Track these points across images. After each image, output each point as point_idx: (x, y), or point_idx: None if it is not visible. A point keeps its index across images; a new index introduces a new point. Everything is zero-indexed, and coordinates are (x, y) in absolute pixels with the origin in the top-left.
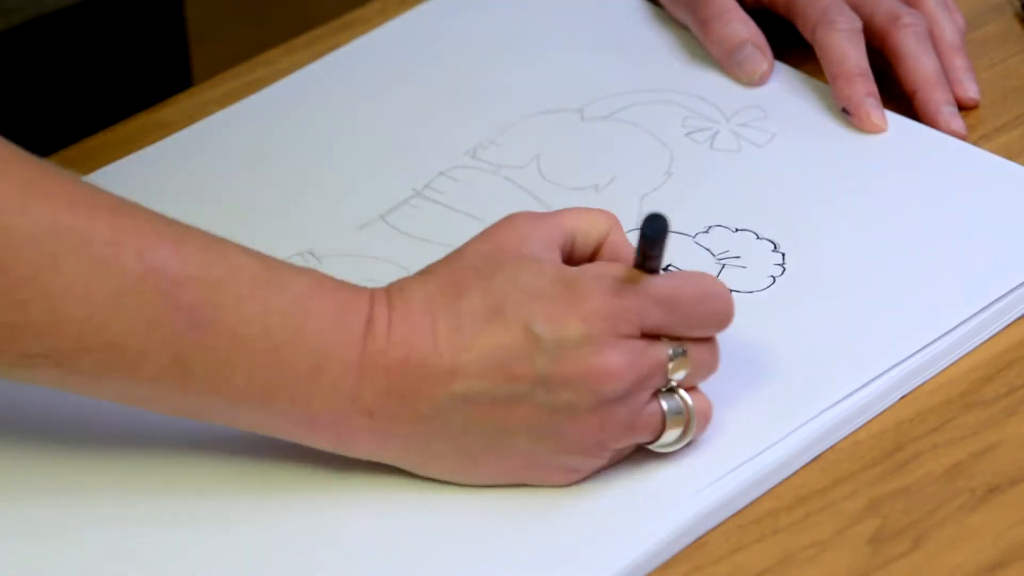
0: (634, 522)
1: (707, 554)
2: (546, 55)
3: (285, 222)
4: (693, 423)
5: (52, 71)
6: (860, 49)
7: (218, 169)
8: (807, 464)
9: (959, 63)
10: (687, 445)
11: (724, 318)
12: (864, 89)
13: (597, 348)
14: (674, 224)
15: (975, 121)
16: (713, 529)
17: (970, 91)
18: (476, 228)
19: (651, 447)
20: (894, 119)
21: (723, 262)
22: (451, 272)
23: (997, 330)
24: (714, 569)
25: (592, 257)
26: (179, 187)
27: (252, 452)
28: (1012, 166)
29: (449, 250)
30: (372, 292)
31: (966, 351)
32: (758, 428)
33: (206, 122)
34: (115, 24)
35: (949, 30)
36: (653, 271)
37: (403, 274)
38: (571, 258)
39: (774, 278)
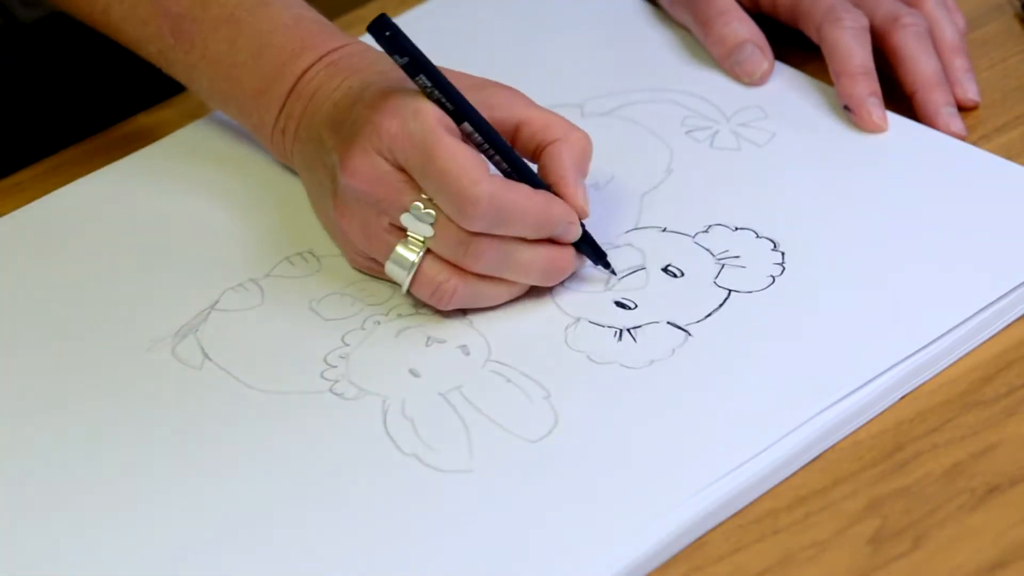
0: (634, 522)
1: (707, 554)
2: (546, 53)
3: (285, 222)
4: (408, 277)
5: (70, 65)
6: (866, 48)
7: (218, 169)
8: (807, 464)
9: (959, 64)
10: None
11: (465, 207)
12: (867, 88)
13: (357, 146)
14: (674, 223)
15: (975, 121)
16: (713, 529)
17: (970, 92)
18: None
19: (385, 272)
20: (894, 119)
21: (723, 261)
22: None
23: (997, 330)
24: (714, 569)
25: (535, 154)
26: (179, 186)
27: (252, 464)
28: (1012, 166)
29: None
30: (344, 41)
31: (966, 351)
32: (758, 428)
33: (206, 121)
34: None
35: (949, 31)
36: (438, 102)
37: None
38: (513, 142)
39: (774, 277)
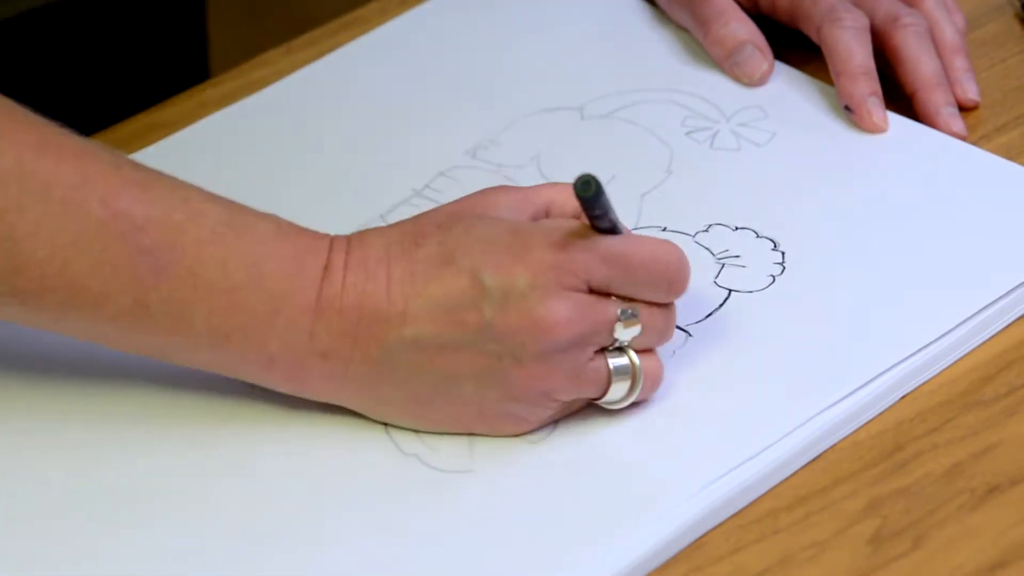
0: (634, 522)
1: (707, 554)
2: (546, 54)
3: None
4: (639, 382)
5: (62, 61)
6: (866, 47)
7: (218, 169)
8: (807, 464)
9: (959, 64)
10: (635, 404)
11: (674, 283)
12: (867, 88)
13: (542, 298)
14: (674, 223)
15: (975, 121)
16: (713, 529)
17: (970, 92)
18: None
19: (599, 403)
20: (894, 119)
21: (723, 261)
22: (413, 224)
23: (997, 330)
24: (714, 569)
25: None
26: None
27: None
28: (1012, 166)
29: None
30: (332, 238)
31: (966, 351)
32: (758, 428)
33: (206, 122)
34: (133, 16)
35: (949, 31)
36: (603, 230)
37: None
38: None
39: (774, 277)
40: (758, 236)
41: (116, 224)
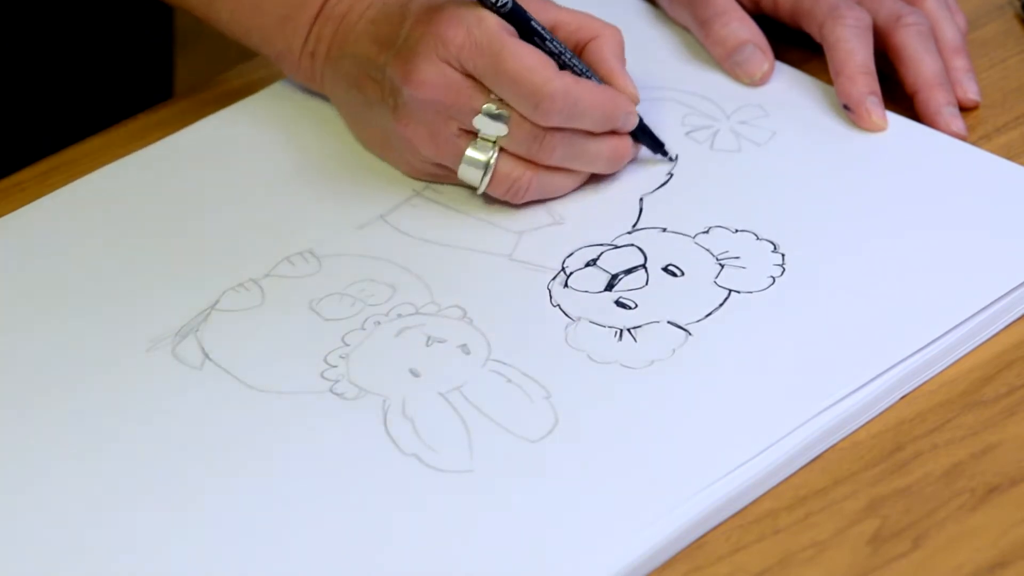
0: (634, 522)
1: (707, 554)
2: None
3: (286, 222)
4: (487, 175)
5: (69, 65)
6: (868, 47)
7: (218, 169)
8: (807, 464)
9: (959, 64)
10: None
11: (541, 103)
12: (867, 87)
13: (420, 57)
14: (674, 224)
15: (975, 121)
16: (713, 529)
17: (970, 92)
18: (475, 228)
19: (458, 176)
20: (894, 119)
21: (723, 262)
22: None
23: (997, 330)
24: (714, 569)
25: (575, 52)
26: (179, 187)
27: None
28: (1012, 166)
29: (449, 250)
30: None
31: (966, 351)
32: (758, 428)
33: (205, 122)
34: (103, 27)
35: (950, 31)
36: (499, 11)
37: (403, 274)
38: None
39: (774, 278)
40: (758, 238)
41: None
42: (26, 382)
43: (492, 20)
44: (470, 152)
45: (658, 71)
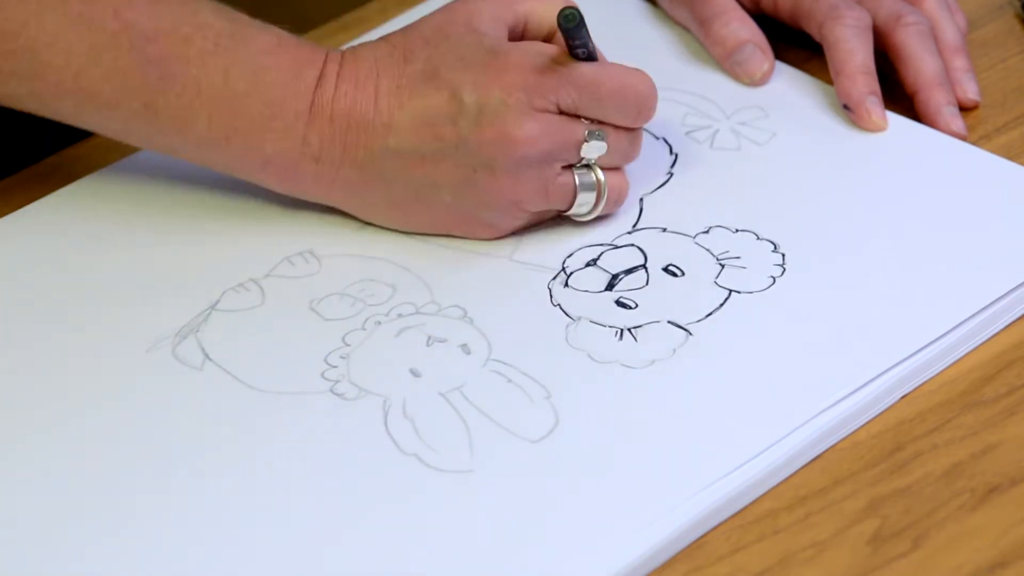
0: (634, 522)
1: (707, 554)
2: None
3: (286, 222)
4: (604, 196)
5: None
6: (867, 47)
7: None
8: (807, 464)
9: (959, 64)
10: (600, 217)
11: (642, 108)
12: (867, 87)
13: (515, 116)
14: (675, 224)
15: (975, 121)
16: (713, 529)
17: (970, 92)
18: None
19: (567, 214)
20: (894, 119)
21: (723, 262)
22: (403, 39)
23: (997, 330)
24: (714, 569)
25: (523, 28)
26: (179, 186)
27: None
28: (1012, 166)
29: (449, 250)
30: (328, 51)
31: (966, 351)
32: (758, 428)
33: None
34: None
35: (950, 31)
36: (581, 59)
37: (404, 274)
38: (523, 39)
39: (774, 278)
40: (758, 238)
41: (127, 35)
42: (26, 382)
43: (556, 51)
44: (581, 178)
45: (658, 71)
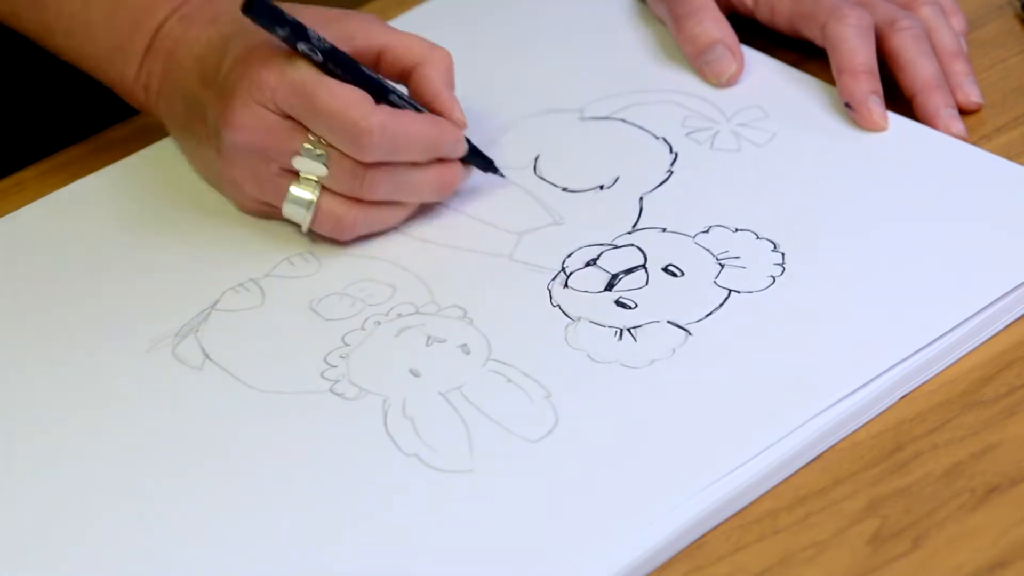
0: (634, 522)
1: (707, 554)
2: (545, 55)
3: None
4: (309, 216)
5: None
6: (870, 46)
7: None
8: (807, 464)
9: (959, 68)
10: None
11: (356, 140)
12: (869, 86)
13: (238, 100)
14: (674, 224)
15: (975, 122)
16: (713, 529)
17: (972, 95)
18: (475, 229)
19: (283, 215)
20: (895, 119)
21: (723, 262)
22: (240, 26)
23: (997, 330)
24: (714, 569)
25: (402, 76)
26: (179, 186)
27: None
28: (1012, 166)
29: (449, 250)
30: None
31: (966, 351)
32: (758, 428)
33: None
34: None
35: (947, 37)
36: (338, 77)
37: (403, 274)
38: (377, 68)
39: (774, 278)
40: (758, 237)
41: None
42: (26, 382)
43: (304, 60)
44: (293, 191)
45: (657, 72)
